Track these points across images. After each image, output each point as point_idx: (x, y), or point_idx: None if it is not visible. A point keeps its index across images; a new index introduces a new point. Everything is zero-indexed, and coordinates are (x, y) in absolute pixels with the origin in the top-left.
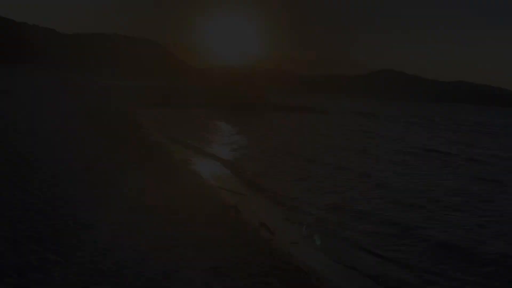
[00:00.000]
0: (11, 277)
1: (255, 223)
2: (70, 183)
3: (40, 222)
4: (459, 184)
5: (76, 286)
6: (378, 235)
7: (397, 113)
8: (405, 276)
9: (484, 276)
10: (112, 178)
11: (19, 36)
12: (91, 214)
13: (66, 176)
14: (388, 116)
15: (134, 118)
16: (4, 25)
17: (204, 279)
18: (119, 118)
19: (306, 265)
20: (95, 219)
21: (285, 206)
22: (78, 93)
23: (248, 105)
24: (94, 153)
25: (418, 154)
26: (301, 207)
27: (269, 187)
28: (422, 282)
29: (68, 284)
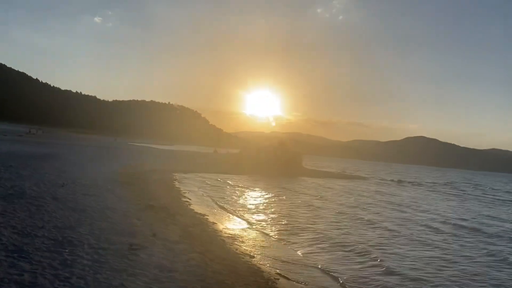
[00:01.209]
0: None
1: None
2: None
3: None
4: None
5: None
6: None
7: (436, 180)
8: None
9: None
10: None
11: (63, 102)
12: None
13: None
14: (427, 185)
15: (179, 188)
16: (51, 92)
17: None
18: (162, 186)
19: None
20: None
21: None
22: (118, 156)
23: (284, 171)
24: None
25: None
26: None
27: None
28: None
29: None
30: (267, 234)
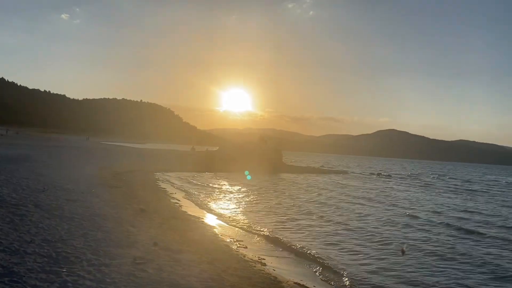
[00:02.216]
0: None
1: None
2: None
3: None
4: None
5: None
6: None
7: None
8: None
9: None
10: None
11: (32, 102)
12: None
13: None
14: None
15: (162, 187)
16: (18, 92)
17: None
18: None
19: None
20: None
21: None
22: (96, 157)
23: (265, 167)
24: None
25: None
26: None
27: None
28: None
29: None
30: (266, 236)
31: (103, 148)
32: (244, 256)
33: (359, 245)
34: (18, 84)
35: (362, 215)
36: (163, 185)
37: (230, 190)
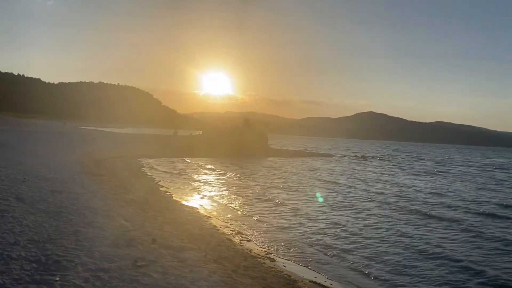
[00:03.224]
0: None
1: None
2: None
3: None
4: None
5: None
6: None
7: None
8: None
9: None
10: None
11: (5, 85)
12: None
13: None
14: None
15: (146, 173)
16: None
17: None
18: (130, 172)
19: None
20: None
21: None
22: (73, 142)
23: (251, 152)
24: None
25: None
26: None
27: None
28: None
29: None
30: (267, 226)
31: (81, 133)
32: (250, 251)
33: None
34: None
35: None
36: (149, 172)
37: (219, 177)
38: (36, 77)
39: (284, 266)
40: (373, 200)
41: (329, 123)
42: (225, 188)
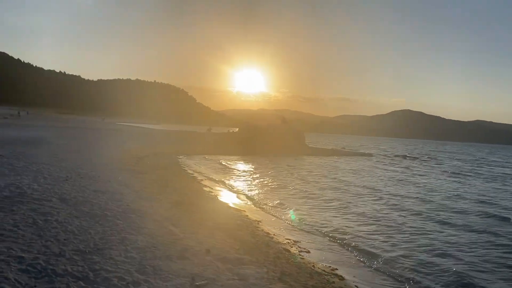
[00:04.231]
0: None
1: None
2: None
3: None
4: None
5: None
6: None
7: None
8: None
9: None
10: None
11: (47, 82)
12: None
13: None
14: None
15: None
16: (33, 72)
17: None
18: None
19: None
20: None
21: None
22: (113, 139)
23: (287, 150)
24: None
25: None
26: None
27: None
28: None
29: None
30: (324, 234)
31: (120, 130)
32: (314, 266)
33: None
34: (34, 66)
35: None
36: (189, 170)
37: (260, 177)
38: (77, 74)
39: (356, 286)
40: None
41: (364, 121)
42: (269, 188)
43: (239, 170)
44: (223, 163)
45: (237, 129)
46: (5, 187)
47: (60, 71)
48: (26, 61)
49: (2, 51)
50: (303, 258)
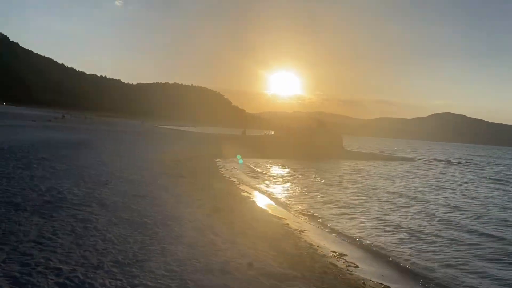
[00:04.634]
0: None
1: None
2: None
3: None
4: None
5: None
6: None
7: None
8: None
9: None
10: None
11: (89, 86)
12: None
13: None
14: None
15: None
16: (76, 77)
17: None
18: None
19: None
20: None
21: None
22: (153, 141)
23: (324, 154)
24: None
25: None
26: None
27: None
28: None
29: None
30: (370, 245)
31: (158, 132)
32: (364, 284)
33: None
34: (77, 70)
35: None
36: (226, 174)
37: (299, 181)
38: (117, 78)
39: None
40: None
41: (403, 124)
42: (308, 195)
43: (276, 175)
44: (260, 167)
45: (273, 132)
46: (46, 191)
47: (101, 75)
48: (69, 66)
49: (48, 56)
50: (351, 274)
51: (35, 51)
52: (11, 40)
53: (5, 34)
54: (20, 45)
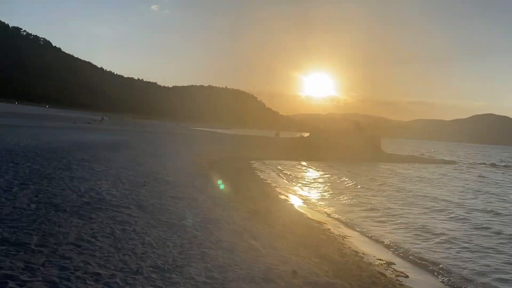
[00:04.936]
0: None
1: None
2: None
3: None
4: None
5: None
6: None
7: None
8: None
9: None
10: None
11: (127, 89)
12: None
13: None
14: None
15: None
16: (114, 79)
17: None
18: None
19: None
20: None
21: None
22: (189, 142)
23: (361, 156)
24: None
25: None
26: None
27: None
28: None
29: None
30: (421, 253)
31: (193, 134)
32: None
33: None
34: (115, 73)
35: None
36: (262, 176)
37: (338, 185)
38: (153, 81)
39: None
40: None
41: (442, 125)
42: (347, 199)
43: (312, 177)
44: (295, 169)
45: (307, 134)
46: (85, 192)
47: (138, 78)
48: (108, 69)
49: (88, 60)
50: (402, 285)
51: (75, 56)
52: (53, 45)
53: (48, 39)
54: (62, 49)
